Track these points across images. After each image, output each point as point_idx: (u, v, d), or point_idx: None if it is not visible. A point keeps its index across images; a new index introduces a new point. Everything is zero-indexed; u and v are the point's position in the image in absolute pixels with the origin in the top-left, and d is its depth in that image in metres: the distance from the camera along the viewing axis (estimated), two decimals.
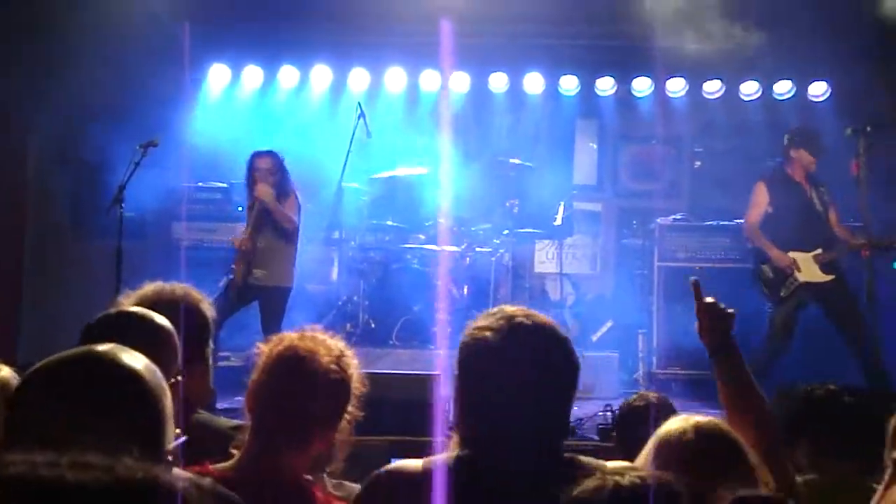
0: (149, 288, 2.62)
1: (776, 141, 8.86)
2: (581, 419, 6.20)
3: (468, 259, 8.32)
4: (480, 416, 2.08)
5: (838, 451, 2.92)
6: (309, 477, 2.38)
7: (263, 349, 2.40)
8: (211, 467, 2.29)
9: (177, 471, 1.69)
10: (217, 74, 9.79)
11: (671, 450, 2.27)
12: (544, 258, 9.80)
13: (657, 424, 2.39)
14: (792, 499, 2.36)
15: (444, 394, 5.04)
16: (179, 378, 2.20)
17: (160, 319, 2.28)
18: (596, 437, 5.89)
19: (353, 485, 2.57)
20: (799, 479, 2.76)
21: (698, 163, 10.19)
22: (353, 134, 8.34)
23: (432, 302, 8.06)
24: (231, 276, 7.29)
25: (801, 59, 9.03)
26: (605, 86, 9.87)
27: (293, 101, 9.96)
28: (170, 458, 1.58)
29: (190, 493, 0.95)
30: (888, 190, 7.86)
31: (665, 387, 7.68)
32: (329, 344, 2.42)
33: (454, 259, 8.15)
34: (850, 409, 3.23)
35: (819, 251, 7.20)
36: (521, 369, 2.08)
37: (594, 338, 9.20)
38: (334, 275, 9.07)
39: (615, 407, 5.99)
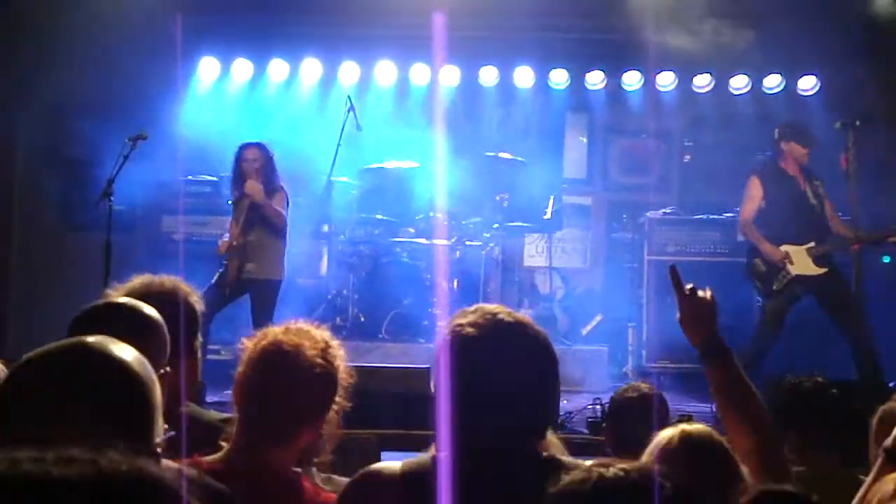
0: (137, 280, 2.61)
1: (766, 135, 8.88)
2: (570, 413, 6.21)
3: (458, 253, 8.32)
4: (458, 414, 2.07)
5: (825, 443, 2.93)
6: (298, 469, 2.37)
7: (247, 344, 2.40)
8: (200, 459, 2.28)
9: (165, 462, 1.68)
10: (206, 67, 9.76)
11: (660, 457, 2.29)
12: (534, 252, 9.81)
13: (650, 418, 2.40)
14: None
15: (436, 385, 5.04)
16: (168, 370, 2.19)
17: (149, 310, 2.27)
18: (585, 431, 5.90)
19: (342, 479, 2.56)
20: None
21: (688, 156, 10.21)
22: (343, 127, 8.33)
23: (422, 296, 8.07)
24: (222, 272, 7.27)
25: (791, 53, 9.05)
26: (595, 79, 9.88)
27: (283, 94, 9.94)
28: (159, 450, 1.58)
29: (177, 485, 0.95)
30: (877, 184, 7.89)
31: (654, 380, 7.69)
32: (314, 336, 2.41)
33: (444, 253, 8.15)
34: (838, 401, 3.24)
35: (812, 244, 7.21)
36: (498, 366, 2.06)
37: (584, 331, 9.22)
38: (324, 269, 9.07)
39: (604, 401, 6.01)
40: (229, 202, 7.76)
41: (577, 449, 5.29)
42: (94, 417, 1.44)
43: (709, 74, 9.62)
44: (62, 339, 1.68)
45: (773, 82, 9.60)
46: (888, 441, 2.59)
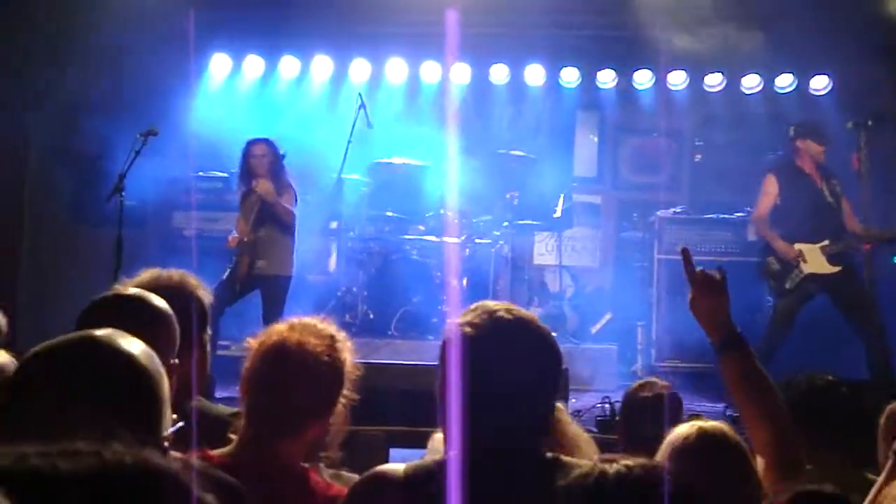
0: (146, 274, 2.61)
1: (777, 134, 8.85)
2: (579, 411, 6.20)
3: (468, 250, 8.32)
4: (459, 414, 2.05)
5: (835, 443, 2.92)
6: (305, 465, 2.38)
7: (252, 343, 2.40)
8: (210, 453, 2.29)
9: (171, 454, 1.69)
10: (218, 64, 9.78)
11: (676, 453, 2.28)
12: (544, 250, 9.80)
13: (664, 416, 2.39)
14: None
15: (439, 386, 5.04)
16: (176, 362, 2.19)
17: (158, 302, 2.27)
18: (594, 430, 5.89)
19: (351, 474, 2.57)
20: None
21: (699, 156, 10.18)
22: (354, 125, 8.34)
23: (431, 293, 8.08)
24: (233, 267, 7.29)
25: (803, 52, 9.01)
26: (606, 78, 9.86)
27: (294, 91, 9.95)
28: (166, 443, 1.58)
29: (183, 476, 0.95)
30: (888, 183, 7.86)
31: (664, 380, 7.67)
32: (320, 330, 2.40)
33: (454, 250, 8.15)
34: (848, 400, 3.23)
35: (826, 242, 7.18)
36: (497, 365, 2.03)
37: (593, 330, 9.21)
38: (334, 265, 9.08)
39: (613, 399, 6.01)
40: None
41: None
42: (102, 411, 1.44)
43: (720, 74, 9.60)
44: (70, 332, 1.68)
45: (784, 82, 9.57)
46: None
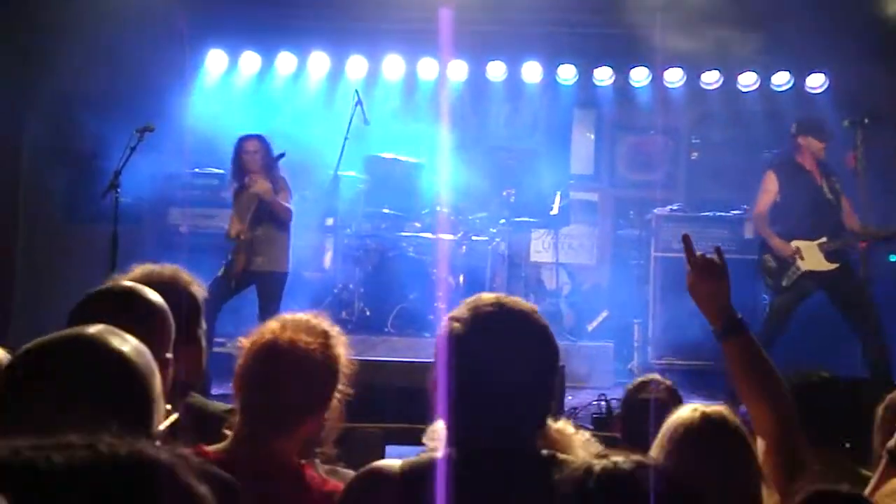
0: (138, 270, 2.60)
1: (774, 132, 8.87)
2: (575, 408, 6.21)
3: (464, 248, 8.32)
4: (451, 412, 2.03)
5: (832, 440, 2.92)
6: (301, 461, 2.37)
7: (245, 343, 2.39)
8: (205, 449, 2.29)
9: (165, 448, 1.68)
10: (214, 60, 9.77)
11: (678, 437, 2.28)
12: (540, 248, 9.79)
13: (666, 415, 2.38)
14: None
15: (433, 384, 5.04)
16: (169, 356, 2.18)
17: (152, 295, 2.26)
18: (591, 427, 5.89)
19: (347, 471, 2.56)
20: None
21: (695, 153, 10.19)
22: (351, 121, 8.33)
23: (428, 290, 8.07)
24: (228, 264, 7.29)
25: (799, 50, 9.02)
26: (604, 75, 9.86)
27: (290, 87, 9.94)
28: (158, 440, 1.58)
29: (177, 468, 0.95)
30: (885, 182, 7.86)
31: (661, 377, 7.68)
32: (312, 327, 2.39)
33: (450, 247, 8.15)
34: (845, 397, 3.23)
35: (824, 239, 7.19)
36: (490, 360, 2.00)
37: (589, 327, 9.21)
38: (330, 262, 9.07)
39: (610, 397, 6.01)
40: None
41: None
42: (93, 408, 1.44)
43: (717, 71, 9.60)
44: (64, 328, 1.68)
45: (781, 80, 9.57)
46: (891, 443, 2.58)
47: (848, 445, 2.98)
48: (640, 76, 9.79)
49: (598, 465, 1.70)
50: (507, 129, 10.16)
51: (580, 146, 10.50)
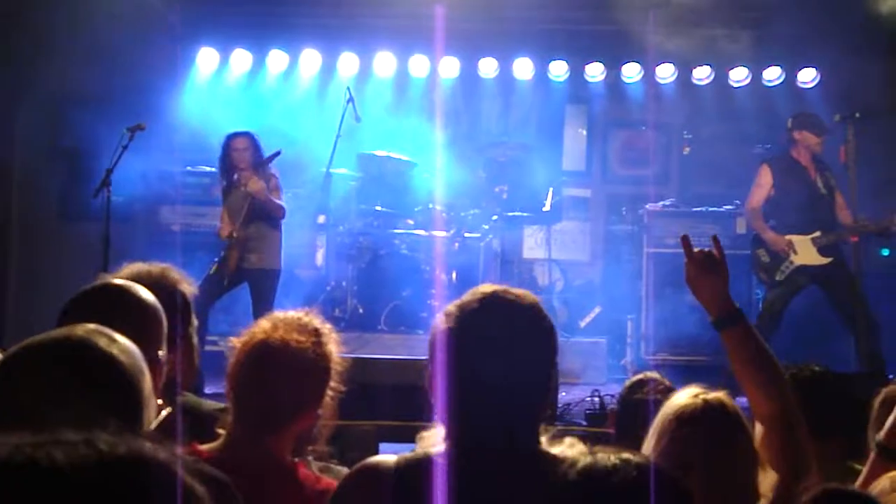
0: (127, 269, 2.59)
1: (766, 127, 8.87)
2: (569, 404, 6.21)
3: (457, 244, 8.32)
4: (450, 405, 2.01)
5: (824, 434, 2.93)
6: (295, 459, 2.37)
7: (236, 343, 2.39)
8: (198, 448, 2.29)
9: (156, 444, 1.68)
10: (205, 58, 9.74)
11: (679, 421, 2.29)
12: (533, 244, 9.80)
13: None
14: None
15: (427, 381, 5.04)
16: (161, 353, 2.17)
17: (144, 293, 2.25)
18: (584, 423, 5.90)
19: (340, 468, 2.56)
20: None
21: (687, 149, 10.19)
22: (342, 118, 8.33)
23: (421, 287, 8.07)
24: (220, 262, 7.28)
25: (790, 45, 9.03)
26: (595, 72, 9.86)
27: (282, 85, 9.92)
28: (149, 439, 1.58)
29: (175, 467, 0.95)
30: (876, 176, 7.88)
31: (654, 372, 7.69)
32: (303, 325, 2.39)
33: (443, 244, 8.15)
34: (836, 390, 3.24)
35: (818, 234, 7.20)
36: (484, 353, 1.98)
37: (582, 324, 9.22)
38: (323, 260, 9.07)
39: (603, 393, 6.02)
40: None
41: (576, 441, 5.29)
42: (82, 409, 1.44)
43: (708, 67, 9.61)
44: (56, 326, 1.68)
45: (772, 75, 9.58)
46: (880, 435, 2.59)
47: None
48: (631, 72, 9.80)
49: (595, 461, 1.70)
50: (499, 125, 10.17)
51: (572, 142, 10.50)
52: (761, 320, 7.15)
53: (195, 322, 2.65)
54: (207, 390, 5.82)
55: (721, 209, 8.71)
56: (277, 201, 7.38)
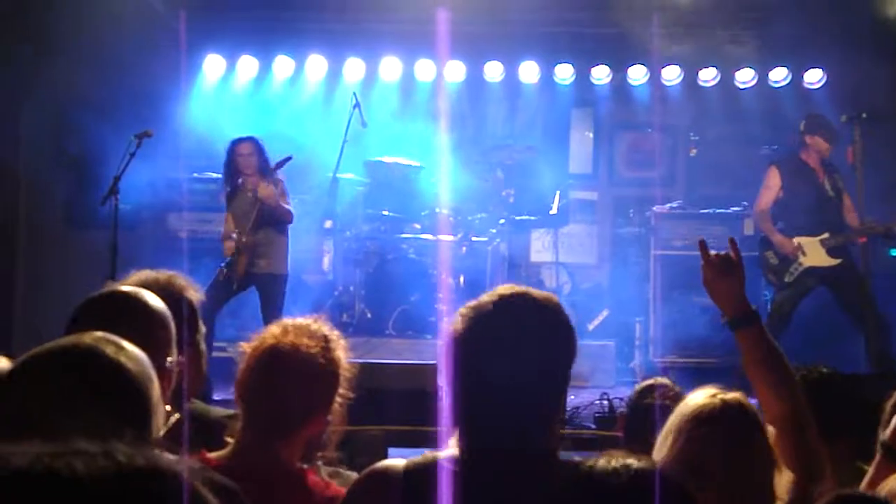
0: (134, 276, 2.59)
1: (772, 128, 8.85)
2: (577, 408, 6.21)
3: (464, 248, 8.32)
4: (460, 407, 2.00)
5: (831, 434, 2.92)
6: (304, 465, 2.37)
7: (246, 348, 2.39)
8: (207, 456, 2.29)
9: (172, 456, 1.68)
10: (212, 65, 9.76)
11: (697, 421, 2.29)
12: (540, 247, 9.80)
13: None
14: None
15: (441, 383, 5.04)
16: (170, 360, 2.17)
17: (152, 300, 2.25)
18: (593, 426, 5.90)
19: (350, 472, 2.56)
20: None
21: (694, 150, 10.18)
22: (349, 124, 8.34)
23: (428, 292, 8.07)
24: (228, 267, 7.29)
25: (797, 46, 9.01)
26: (601, 74, 9.86)
27: (288, 91, 9.93)
28: (158, 446, 1.58)
29: (190, 478, 0.95)
30: (883, 176, 7.86)
31: (662, 375, 7.68)
32: (313, 332, 2.40)
33: (450, 249, 8.15)
34: (844, 391, 3.23)
35: (826, 235, 7.20)
36: (495, 355, 1.95)
37: (590, 327, 9.20)
38: (330, 265, 9.07)
39: (612, 396, 6.02)
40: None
41: (585, 444, 5.30)
42: (91, 417, 1.44)
43: (714, 68, 9.59)
44: (64, 334, 1.68)
45: (778, 76, 9.56)
46: (886, 435, 2.58)
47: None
48: (637, 74, 9.79)
49: (604, 465, 1.70)
50: (505, 129, 10.17)
51: (579, 145, 10.50)
52: (770, 322, 7.14)
53: (202, 328, 2.65)
54: (216, 396, 5.83)
55: (728, 211, 8.70)
56: (286, 206, 7.41)
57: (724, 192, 9.15)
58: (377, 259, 8.34)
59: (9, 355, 2.37)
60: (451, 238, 8.22)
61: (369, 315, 8.20)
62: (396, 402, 5.13)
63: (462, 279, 8.21)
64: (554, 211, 8.90)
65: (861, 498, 2.08)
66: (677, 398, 3.42)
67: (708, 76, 9.68)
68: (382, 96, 9.78)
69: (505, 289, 2.05)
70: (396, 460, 2.05)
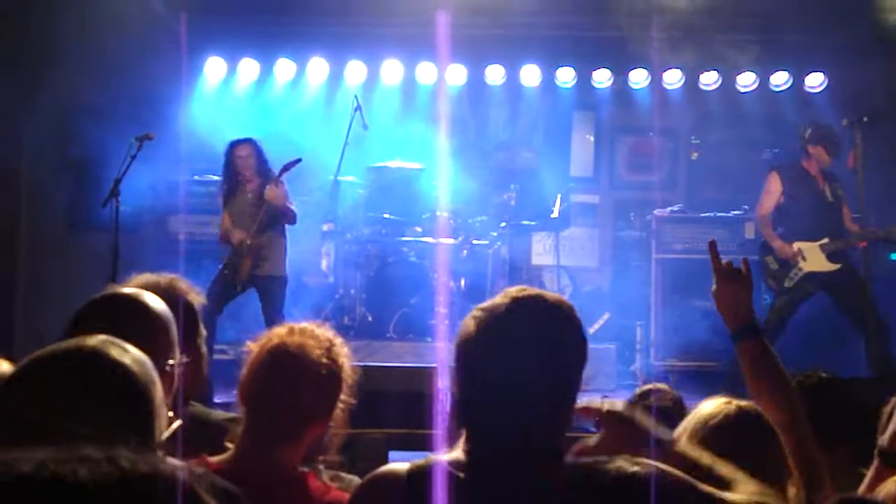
0: (135, 279, 2.59)
1: (773, 132, 8.86)
2: None
3: (465, 252, 8.32)
4: (471, 411, 2.00)
5: (829, 440, 2.92)
6: (305, 469, 2.37)
7: (252, 347, 2.40)
8: (208, 460, 2.28)
9: (175, 462, 1.68)
10: (213, 67, 9.77)
11: (712, 428, 2.29)
12: (541, 250, 9.80)
13: (669, 424, 2.37)
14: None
15: (442, 386, 5.04)
16: (171, 362, 2.17)
17: (154, 302, 2.24)
18: (593, 429, 5.89)
19: (351, 476, 2.56)
20: None
21: (695, 154, 10.19)
22: (350, 127, 8.35)
23: (429, 295, 8.07)
24: (231, 270, 7.30)
25: (798, 50, 9.02)
26: (602, 78, 9.86)
27: (289, 93, 9.94)
28: (161, 449, 1.58)
29: (194, 484, 0.95)
30: (884, 181, 7.87)
31: (663, 378, 7.68)
32: (318, 335, 2.41)
33: (451, 252, 8.15)
34: (841, 396, 3.23)
35: (826, 240, 7.21)
36: (502, 358, 1.93)
37: (591, 330, 9.20)
38: (331, 268, 9.07)
39: (612, 399, 6.00)
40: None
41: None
42: (95, 420, 1.44)
43: (715, 72, 9.60)
44: (65, 337, 1.68)
45: (780, 80, 9.57)
46: (883, 441, 2.58)
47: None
48: (638, 78, 9.79)
49: (609, 467, 1.70)
50: (507, 132, 10.17)
51: (580, 149, 10.50)
52: (767, 326, 7.14)
53: (203, 332, 2.65)
54: (217, 399, 5.82)
55: (729, 214, 8.70)
56: (292, 207, 7.45)
57: (725, 196, 9.16)
58: (378, 262, 8.35)
59: (10, 358, 2.37)
60: (451, 241, 8.22)
61: (370, 318, 8.20)
62: (397, 406, 5.13)
63: (463, 282, 8.21)
64: (555, 214, 8.90)
65: (860, 501, 2.08)
66: (675, 402, 3.43)
67: (709, 80, 9.69)
68: (384, 99, 9.79)
69: (517, 291, 2.02)
70: (400, 464, 2.04)
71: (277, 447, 2.32)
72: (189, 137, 8.74)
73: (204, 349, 2.64)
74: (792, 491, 2.41)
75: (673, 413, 3.20)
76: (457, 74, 9.76)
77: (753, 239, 8.05)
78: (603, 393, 6.40)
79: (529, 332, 1.97)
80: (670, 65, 9.52)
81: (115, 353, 1.58)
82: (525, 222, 8.71)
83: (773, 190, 7.45)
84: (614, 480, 1.71)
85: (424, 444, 3.09)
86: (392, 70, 9.82)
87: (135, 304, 2.21)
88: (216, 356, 6.72)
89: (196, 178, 8.92)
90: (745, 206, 8.42)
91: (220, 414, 2.73)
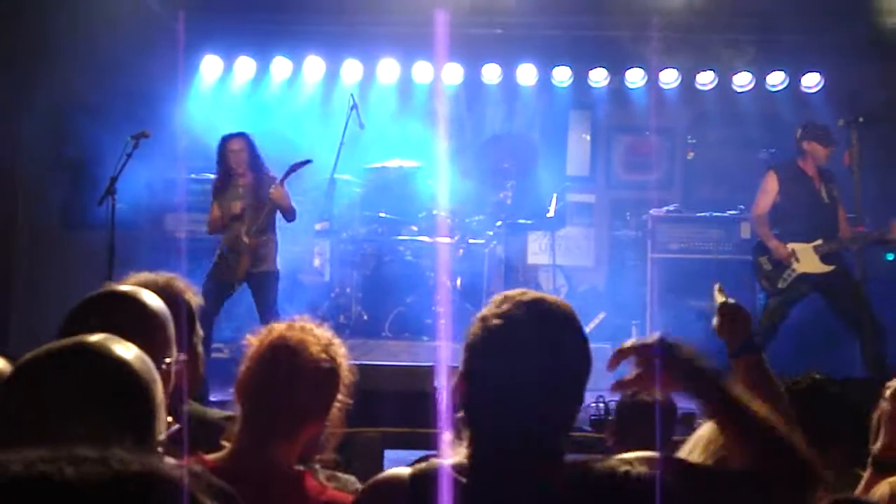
0: (132, 278, 2.59)
1: (769, 132, 8.87)
2: None
3: (461, 251, 8.32)
4: (476, 414, 1.99)
5: (822, 441, 2.93)
6: (300, 468, 2.37)
7: (252, 340, 2.40)
8: (205, 458, 2.28)
9: (169, 460, 1.68)
10: (209, 66, 9.76)
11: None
12: (537, 250, 9.80)
13: (656, 420, 2.38)
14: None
15: (439, 385, 5.05)
16: (168, 361, 2.17)
17: (152, 300, 2.23)
18: (588, 429, 5.90)
19: (347, 476, 2.56)
20: None
21: (691, 154, 10.19)
22: (346, 125, 8.34)
23: (425, 294, 8.08)
24: (227, 268, 7.29)
25: (794, 50, 9.03)
26: (599, 77, 9.87)
27: (286, 92, 9.94)
28: (160, 448, 1.58)
29: (189, 484, 0.95)
30: (880, 181, 7.88)
31: None
32: (317, 333, 2.41)
33: (447, 251, 8.15)
34: (836, 397, 3.23)
35: (820, 241, 7.21)
36: (507, 361, 1.94)
37: (587, 329, 9.18)
38: (327, 266, 9.07)
39: (608, 399, 6.01)
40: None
41: (580, 447, 5.30)
42: (96, 418, 1.44)
43: (712, 72, 9.60)
44: (60, 334, 1.67)
45: (776, 80, 9.58)
46: (875, 449, 2.58)
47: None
48: (635, 77, 9.80)
49: (612, 467, 1.71)
50: (503, 131, 10.18)
51: (576, 148, 10.50)
52: (760, 327, 7.15)
53: (200, 331, 2.65)
54: (212, 398, 5.82)
55: (725, 214, 8.71)
56: (294, 206, 7.46)
57: (722, 196, 9.17)
58: (374, 261, 8.35)
59: (6, 356, 2.37)
60: (448, 240, 8.21)
61: (366, 317, 8.20)
62: (393, 405, 5.13)
63: (459, 281, 8.22)
64: (551, 213, 8.90)
65: (855, 502, 2.08)
66: (664, 396, 3.44)
67: (705, 80, 9.69)
68: (380, 98, 9.79)
69: (517, 294, 2.04)
70: (402, 469, 2.04)
71: (273, 444, 2.32)
72: (185, 135, 8.74)
73: (200, 348, 2.64)
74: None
75: (664, 408, 3.21)
76: (453, 73, 9.76)
77: (749, 239, 8.06)
78: (598, 393, 6.40)
79: (531, 336, 1.98)
80: (667, 64, 9.52)
81: (118, 349, 1.58)
82: (521, 221, 8.72)
83: (770, 189, 7.45)
84: (614, 480, 1.71)
85: (420, 443, 3.10)
86: (388, 69, 9.81)
87: (132, 301, 2.21)
88: (212, 355, 6.71)
89: (192, 176, 8.91)
90: (741, 206, 8.42)
91: (216, 412, 2.73)
